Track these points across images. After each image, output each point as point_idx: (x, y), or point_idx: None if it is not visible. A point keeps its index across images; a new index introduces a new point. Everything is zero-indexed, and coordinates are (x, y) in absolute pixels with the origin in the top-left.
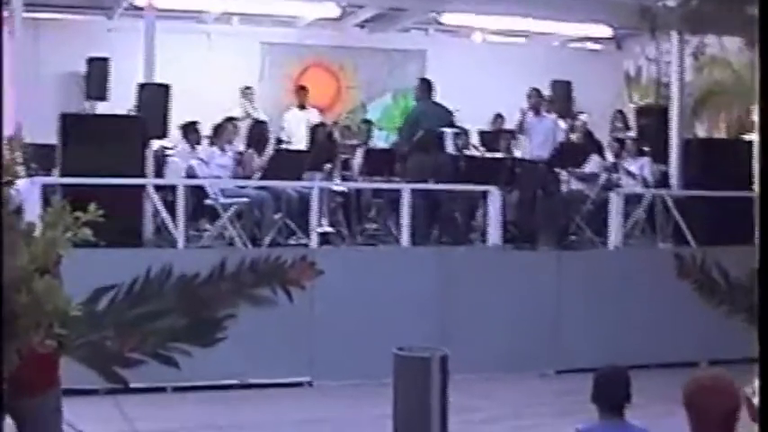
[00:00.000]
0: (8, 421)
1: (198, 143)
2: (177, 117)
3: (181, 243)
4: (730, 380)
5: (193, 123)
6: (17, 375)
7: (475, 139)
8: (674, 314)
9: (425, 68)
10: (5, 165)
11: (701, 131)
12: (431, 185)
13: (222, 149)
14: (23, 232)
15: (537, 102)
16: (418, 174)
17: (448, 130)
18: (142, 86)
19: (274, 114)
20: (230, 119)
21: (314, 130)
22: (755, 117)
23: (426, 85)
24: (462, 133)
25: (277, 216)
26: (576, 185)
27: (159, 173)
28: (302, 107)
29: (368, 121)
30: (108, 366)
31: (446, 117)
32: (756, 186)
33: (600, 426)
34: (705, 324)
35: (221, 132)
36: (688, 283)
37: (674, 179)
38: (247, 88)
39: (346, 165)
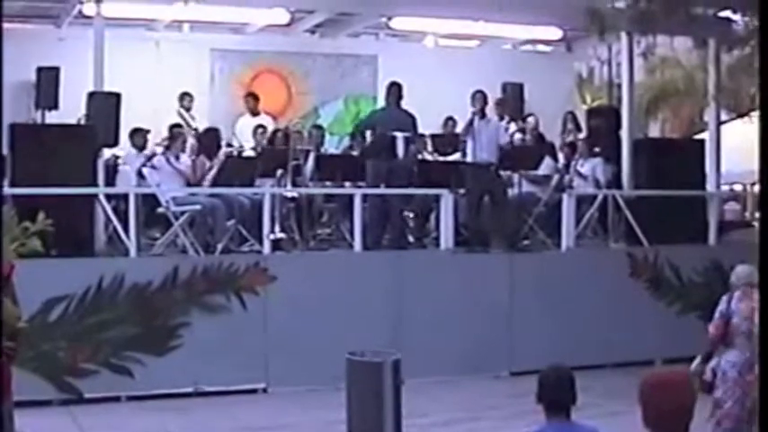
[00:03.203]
0: None
1: (143, 149)
2: (128, 125)
3: (133, 252)
4: (685, 376)
5: (142, 130)
6: None
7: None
8: (628, 313)
9: (377, 73)
10: None
11: (654, 131)
12: (382, 190)
13: (177, 157)
14: None
15: (482, 105)
16: (374, 178)
17: (399, 135)
18: (92, 95)
19: (226, 121)
20: (178, 125)
21: (273, 135)
22: (707, 117)
23: (396, 90)
24: (418, 137)
25: (229, 223)
26: (527, 188)
27: (111, 181)
28: (254, 114)
29: (319, 127)
30: (61, 377)
31: (406, 124)
32: (709, 186)
33: (547, 427)
34: (659, 322)
35: (175, 139)
36: (641, 282)
37: (625, 179)
38: (185, 95)
39: (297, 170)
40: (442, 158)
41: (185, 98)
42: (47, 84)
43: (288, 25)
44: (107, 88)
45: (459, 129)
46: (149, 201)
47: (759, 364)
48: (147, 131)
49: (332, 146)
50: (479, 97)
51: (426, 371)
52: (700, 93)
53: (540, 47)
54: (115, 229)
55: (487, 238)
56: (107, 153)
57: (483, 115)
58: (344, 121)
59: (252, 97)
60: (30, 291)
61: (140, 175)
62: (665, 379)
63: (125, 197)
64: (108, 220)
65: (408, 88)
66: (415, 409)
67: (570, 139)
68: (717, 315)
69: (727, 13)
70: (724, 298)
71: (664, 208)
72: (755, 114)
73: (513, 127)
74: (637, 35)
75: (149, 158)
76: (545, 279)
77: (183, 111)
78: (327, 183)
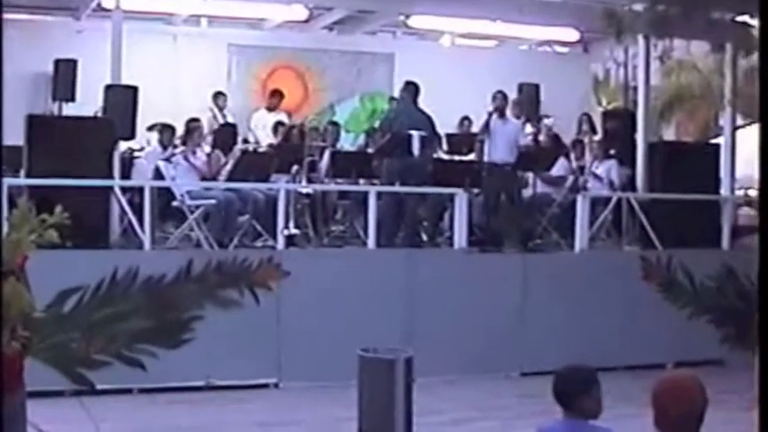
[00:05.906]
0: None
1: (169, 145)
2: (145, 119)
3: (147, 245)
4: (697, 381)
5: (171, 127)
6: None
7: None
8: (640, 316)
9: (394, 71)
10: None
11: (669, 135)
12: (397, 188)
13: (193, 152)
14: None
15: (502, 104)
16: (389, 176)
17: (415, 133)
18: (109, 88)
19: (241, 116)
20: (195, 119)
21: (289, 131)
22: (722, 121)
23: (412, 89)
24: (434, 137)
25: (243, 218)
26: (542, 188)
27: (126, 174)
28: (271, 110)
29: (335, 123)
30: (73, 368)
31: (423, 123)
32: (723, 191)
33: (561, 425)
34: (671, 326)
35: (192, 134)
36: (653, 285)
37: (640, 182)
38: (219, 93)
39: (313, 166)
40: (457, 158)
41: (219, 97)
42: (64, 76)
43: (306, 22)
44: (124, 81)
45: (474, 128)
46: (164, 194)
47: (759, 364)
48: (173, 128)
49: (347, 143)
50: (500, 97)
51: (438, 369)
52: (716, 97)
53: (557, 48)
54: (130, 222)
55: (501, 237)
56: (123, 146)
57: (502, 115)
58: (360, 119)
59: (278, 94)
60: (44, 282)
61: (157, 169)
62: (678, 383)
63: (140, 190)
64: (123, 212)
65: (424, 87)
66: (425, 408)
67: (581, 138)
68: None
69: (744, 18)
70: None
71: (677, 211)
72: None
73: (528, 128)
74: (654, 38)
75: (169, 158)
76: (558, 280)
77: (216, 110)
78: (342, 180)
